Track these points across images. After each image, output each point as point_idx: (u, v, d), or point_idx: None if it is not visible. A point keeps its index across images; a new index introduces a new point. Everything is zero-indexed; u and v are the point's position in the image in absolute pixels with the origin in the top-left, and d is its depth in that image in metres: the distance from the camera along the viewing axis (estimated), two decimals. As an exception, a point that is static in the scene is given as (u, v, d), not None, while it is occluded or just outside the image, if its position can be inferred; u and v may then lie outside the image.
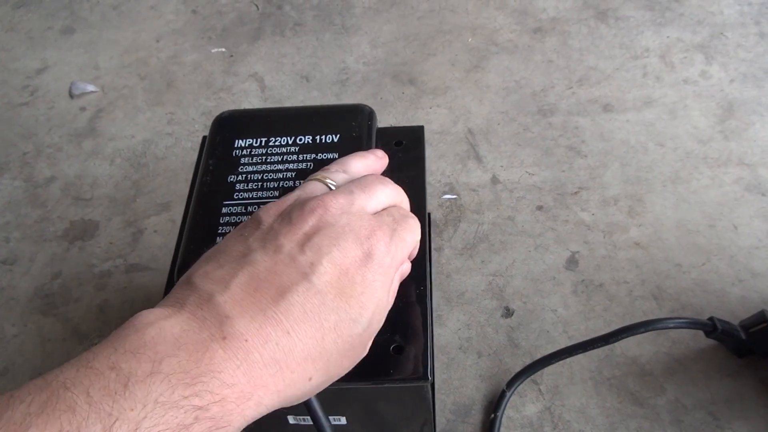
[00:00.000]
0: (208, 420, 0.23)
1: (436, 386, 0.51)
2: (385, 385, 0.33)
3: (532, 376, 0.50)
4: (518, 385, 0.49)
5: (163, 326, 0.24)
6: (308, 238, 0.27)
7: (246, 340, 0.24)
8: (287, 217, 0.28)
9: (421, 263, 0.38)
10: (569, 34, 0.75)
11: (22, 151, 0.70)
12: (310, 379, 0.26)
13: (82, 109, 0.74)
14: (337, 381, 0.31)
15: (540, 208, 0.60)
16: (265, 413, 0.25)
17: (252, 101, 0.73)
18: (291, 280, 0.26)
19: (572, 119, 0.67)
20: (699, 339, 0.51)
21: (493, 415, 0.48)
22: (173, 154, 0.69)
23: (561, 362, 0.50)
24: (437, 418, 0.49)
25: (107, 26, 0.83)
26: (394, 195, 0.31)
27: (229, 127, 0.39)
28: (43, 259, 0.61)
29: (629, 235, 0.57)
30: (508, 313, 0.54)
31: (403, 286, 0.38)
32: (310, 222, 0.27)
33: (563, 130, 0.66)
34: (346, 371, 0.28)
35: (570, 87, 0.70)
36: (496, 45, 0.75)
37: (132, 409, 0.21)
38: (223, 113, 0.40)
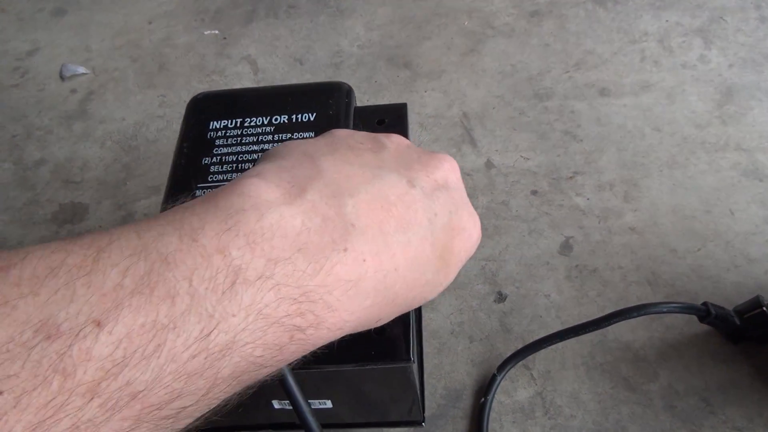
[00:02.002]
0: (300, 342, 0.20)
1: (427, 371, 0.50)
2: (368, 367, 0.33)
3: (524, 362, 0.50)
4: (509, 369, 0.48)
5: (283, 213, 0.20)
6: (438, 187, 0.26)
7: (364, 260, 0.22)
8: (414, 154, 0.27)
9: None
10: (567, 17, 0.74)
11: (11, 133, 0.70)
12: (379, 320, 0.25)
13: (73, 91, 0.73)
14: (318, 363, 0.30)
15: (534, 192, 0.59)
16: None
17: (245, 84, 0.72)
18: (416, 219, 0.24)
19: (568, 103, 0.66)
20: (693, 324, 0.50)
21: (483, 399, 0.47)
22: (164, 137, 0.68)
23: (553, 348, 0.50)
24: (427, 402, 0.48)
25: (99, 8, 0.82)
26: None
27: (204, 108, 0.38)
28: (31, 242, 0.60)
29: (624, 220, 0.57)
30: (501, 298, 0.53)
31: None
32: (440, 173, 0.27)
33: (559, 115, 0.65)
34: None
35: (567, 71, 0.69)
36: (492, 28, 0.74)
37: (234, 315, 0.18)
38: (197, 95, 0.39)
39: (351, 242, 0.21)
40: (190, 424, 0.19)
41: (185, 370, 0.17)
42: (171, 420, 0.18)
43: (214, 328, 0.18)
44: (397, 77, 0.70)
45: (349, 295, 0.21)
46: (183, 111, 0.70)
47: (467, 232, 0.28)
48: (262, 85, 0.71)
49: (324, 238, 0.21)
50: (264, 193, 0.20)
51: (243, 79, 0.72)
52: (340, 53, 0.73)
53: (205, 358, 0.18)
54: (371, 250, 0.22)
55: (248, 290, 0.19)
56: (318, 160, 0.23)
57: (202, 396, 0.18)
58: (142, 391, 0.17)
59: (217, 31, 0.77)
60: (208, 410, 0.19)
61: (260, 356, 0.19)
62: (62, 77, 0.74)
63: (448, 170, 0.28)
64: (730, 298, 0.51)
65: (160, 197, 0.62)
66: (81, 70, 0.75)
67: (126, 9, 0.81)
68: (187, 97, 0.71)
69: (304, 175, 0.22)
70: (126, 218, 0.61)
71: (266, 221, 0.20)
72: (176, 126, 0.68)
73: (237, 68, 0.73)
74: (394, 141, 0.28)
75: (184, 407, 0.18)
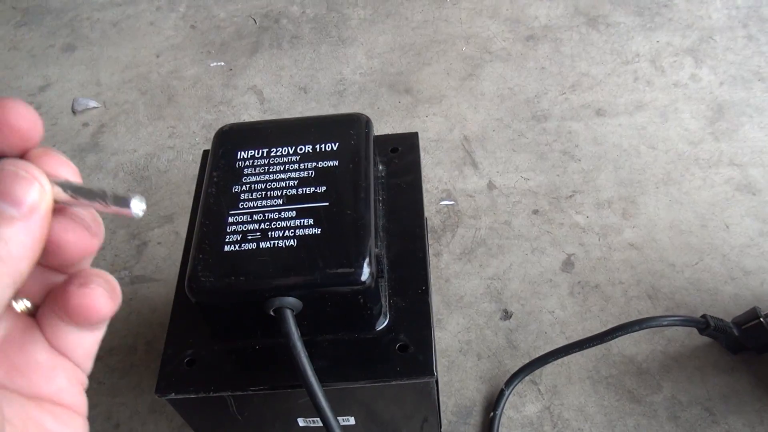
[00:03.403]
0: None
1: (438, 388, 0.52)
2: (393, 383, 0.35)
3: (531, 377, 0.51)
4: (516, 384, 0.50)
5: None
6: None
7: None
8: None
9: (421, 264, 0.40)
10: (561, 41, 0.77)
11: (26, 167, 0.72)
12: None
13: (85, 124, 0.75)
14: (344, 380, 0.32)
15: (536, 212, 0.61)
16: None
17: (251, 113, 0.74)
18: None
19: (566, 124, 0.68)
20: (693, 336, 0.52)
21: (492, 414, 0.49)
22: (175, 167, 0.70)
23: (559, 362, 0.51)
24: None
25: (108, 43, 0.84)
26: None
27: (231, 139, 0.40)
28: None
29: (623, 237, 0.59)
30: (507, 315, 0.55)
31: (405, 288, 0.39)
32: None
33: (557, 135, 0.67)
34: None
35: (563, 93, 0.71)
36: (489, 53, 0.76)
37: None
38: (224, 127, 0.41)
39: None
40: None
41: None
42: None
43: None
44: (399, 103, 0.73)
45: None
46: (192, 141, 0.72)
47: None
48: (268, 114, 0.74)
49: None
50: None
51: (250, 109, 0.74)
52: (343, 81, 0.76)
53: None
54: None
55: None
56: None
57: None
58: None
59: (223, 63, 0.80)
60: None
61: None
62: (74, 111, 0.77)
63: None
64: (728, 310, 0.53)
65: (173, 225, 0.64)
66: (92, 103, 0.77)
67: (134, 43, 0.84)
68: (196, 128, 0.73)
69: None
70: (140, 247, 0.63)
71: None
72: (186, 156, 0.71)
73: (243, 98, 0.76)
74: None
75: None
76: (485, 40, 0.78)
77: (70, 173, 0.21)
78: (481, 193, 0.63)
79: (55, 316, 0.21)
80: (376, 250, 0.36)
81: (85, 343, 0.22)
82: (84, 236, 0.21)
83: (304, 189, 0.37)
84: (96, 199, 0.20)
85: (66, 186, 0.20)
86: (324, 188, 0.37)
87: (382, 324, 0.37)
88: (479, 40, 0.78)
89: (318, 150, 0.39)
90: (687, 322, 0.48)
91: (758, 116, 0.66)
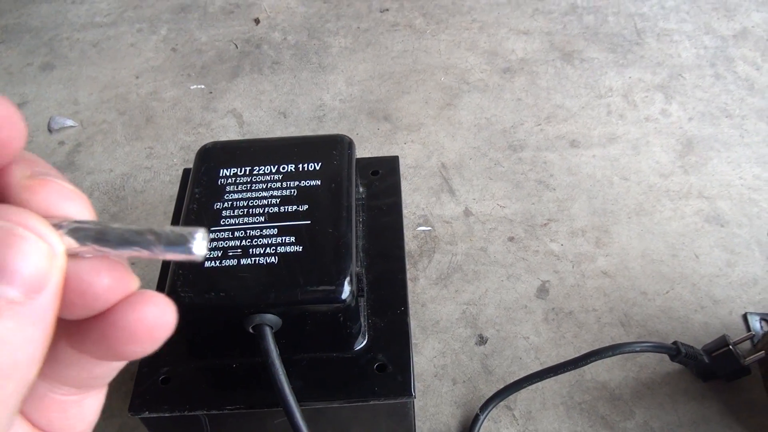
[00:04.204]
0: None
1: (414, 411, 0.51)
2: (371, 403, 0.35)
3: (506, 402, 0.51)
4: (491, 409, 0.50)
5: None
6: None
7: None
8: None
9: (401, 284, 0.40)
10: (537, 74, 0.78)
11: None
12: None
13: (61, 143, 0.75)
14: (323, 400, 0.31)
15: (511, 239, 0.62)
16: None
17: (230, 136, 0.74)
18: None
19: (541, 154, 0.69)
20: (665, 364, 0.53)
21: (468, 440, 0.49)
22: (152, 188, 0.69)
23: (534, 388, 0.52)
24: (414, 443, 0.50)
25: (87, 63, 0.84)
26: None
27: (214, 157, 0.40)
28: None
29: (597, 265, 0.60)
30: (482, 340, 0.55)
31: (384, 309, 0.39)
32: None
33: (532, 165, 0.68)
34: None
35: (538, 124, 0.73)
36: (467, 84, 0.78)
37: None
38: (207, 144, 0.41)
39: None
40: None
41: None
42: None
43: None
44: (378, 130, 0.74)
45: None
46: (170, 162, 0.72)
47: None
48: (247, 137, 0.74)
49: None
50: None
51: (229, 132, 0.75)
52: (323, 107, 0.77)
53: None
54: None
55: None
56: None
57: None
58: None
59: (203, 86, 0.80)
60: None
61: None
62: (50, 130, 0.76)
63: None
64: (698, 338, 0.54)
65: (149, 246, 0.64)
66: (69, 122, 0.77)
67: (114, 64, 0.84)
68: (174, 149, 0.73)
69: None
70: (113, 267, 0.62)
71: None
72: (164, 177, 0.70)
73: (223, 121, 0.76)
74: None
75: None
76: (463, 71, 0.80)
77: (80, 208, 0.14)
78: (457, 220, 0.64)
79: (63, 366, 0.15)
80: (357, 269, 0.36)
81: (85, 412, 0.16)
82: (119, 274, 0.15)
83: (286, 207, 0.37)
84: (136, 245, 0.14)
85: (86, 233, 0.14)
86: (306, 207, 0.37)
87: (361, 343, 0.37)
88: (457, 71, 0.80)
89: (301, 169, 0.39)
90: (659, 348, 0.49)
91: (725, 151, 0.68)
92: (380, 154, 0.71)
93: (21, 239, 0.12)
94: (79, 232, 0.13)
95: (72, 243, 0.13)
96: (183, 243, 0.14)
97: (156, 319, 0.15)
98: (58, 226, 0.13)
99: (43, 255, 0.12)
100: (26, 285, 0.12)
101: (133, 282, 0.15)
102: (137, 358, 0.16)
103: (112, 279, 0.14)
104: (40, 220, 0.13)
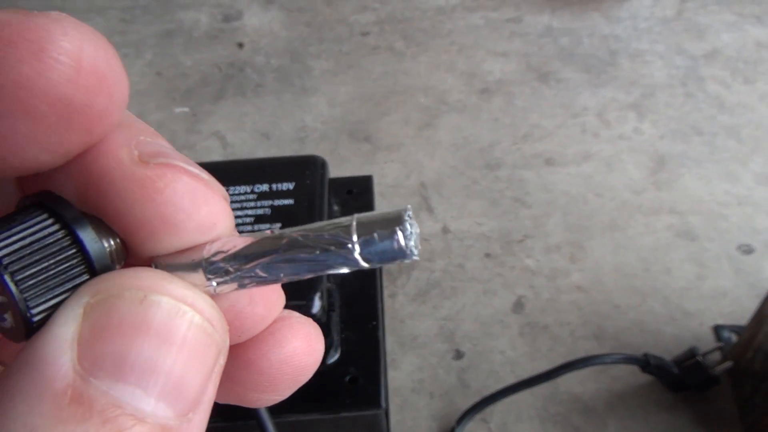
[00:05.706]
0: None
1: (391, 427, 0.52)
2: (341, 415, 0.36)
3: (482, 415, 0.52)
4: (467, 422, 0.51)
5: None
6: None
7: None
8: None
9: (373, 300, 0.41)
10: (514, 94, 0.80)
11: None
12: None
13: (47, 166, 0.76)
14: (295, 412, 0.33)
15: (488, 255, 0.64)
16: None
17: (214, 158, 0.75)
18: None
19: (517, 172, 0.71)
20: (637, 376, 0.54)
21: (444, 452, 0.50)
22: (136, 209, 0.70)
23: (509, 401, 0.53)
24: (391, 457, 0.50)
25: (73, 87, 0.86)
26: None
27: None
28: None
29: (571, 280, 0.61)
30: (459, 355, 0.56)
31: (357, 323, 0.40)
32: None
33: (509, 183, 0.70)
34: None
35: (515, 143, 0.74)
36: (446, 104, 0.80)
37: None
38: None
39: None
40: None
41: None
42: None
43: None
44: (359, 150, 0.75)
45: None
46: (154, 184, 0.73)
47: None
48: (231, 158, 0.75)
49: None
50: None
51: (212, 153, 0.76)
52: (305, 128, 0.78)
53: None
54: None
55: None
56: None
57: None
58: None
59: (187, 109, 0.82)
60: None
61: None
62: (36, 153, 0.77)
63: None
64: (669, 349, 0.55)
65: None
66: (55, 146, 0.78)
67: (99, 88, 0.85)
68: (158, 171, 0.74)
69: None
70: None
71: None
72: (147, 198, 0.71)
73: (207, 143, 0.77)
74: None
75: None
76: (442, 92, 0.81)
77: (220, 208, 0.10)
78: (436, 237, 0.65)
79: None
80: (328, 284, 0.37)
81: None
82: (275, 295, 0.11)
83: (259, 226, 0.38)
84: (322, 267, 0.09)
85: (249, 272, 0.09)
86: (279, 225, 0.38)
87: (334, 357, 0.38)
88: (436, 92, 0.81)
89: (274, 189, 0.40)
90: (629, 360, 0.50)
91: (696, 167, 0.70)
92: (360, 174, 0.73)
93: (177, 314, 0.08)
94: (237, 269, 0.08)
95: (228, 289, 0.09)
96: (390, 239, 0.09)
97: (303, 358, 0.12)
98: (208, 268, 0.08)
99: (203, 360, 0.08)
100: (181, 403, 0.09)
101: (282, 301, 0.12)
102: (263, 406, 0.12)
103: (265, 307, 0.11)
104: (176, 282, 0.08)
